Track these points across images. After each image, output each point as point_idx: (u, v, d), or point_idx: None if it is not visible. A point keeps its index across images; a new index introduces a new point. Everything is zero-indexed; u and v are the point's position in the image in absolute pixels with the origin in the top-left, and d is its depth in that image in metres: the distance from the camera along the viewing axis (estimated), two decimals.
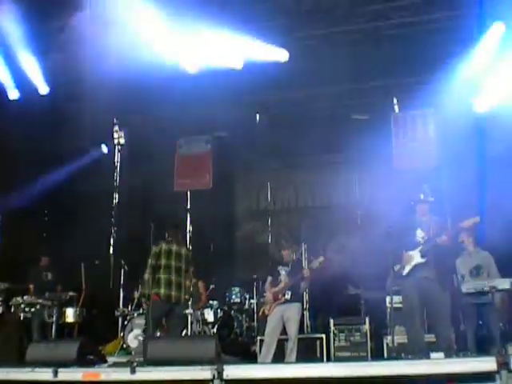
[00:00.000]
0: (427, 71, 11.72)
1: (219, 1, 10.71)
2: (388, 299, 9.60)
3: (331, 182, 15.34)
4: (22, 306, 10.37)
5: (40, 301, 10.40)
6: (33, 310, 10.38)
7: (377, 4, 10.64)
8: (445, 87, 11.97)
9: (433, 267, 7.79)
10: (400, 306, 8.57)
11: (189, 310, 10.60)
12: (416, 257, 7.80)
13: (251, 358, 10.18)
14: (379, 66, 12.45)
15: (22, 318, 10.29)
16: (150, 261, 9.07)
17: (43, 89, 12.78)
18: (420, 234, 7.91)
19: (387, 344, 9.53)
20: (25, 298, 10.47)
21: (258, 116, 13.89)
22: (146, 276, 9.00)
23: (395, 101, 13.27)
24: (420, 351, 7.28)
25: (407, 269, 7.83)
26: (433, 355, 6.18)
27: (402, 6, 10.67)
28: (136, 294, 11.19)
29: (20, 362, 7.96)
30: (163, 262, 9.07)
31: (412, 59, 11.40)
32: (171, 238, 9.34)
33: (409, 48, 11.20)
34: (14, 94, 12.85)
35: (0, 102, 12.85)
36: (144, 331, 9.38)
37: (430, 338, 8.15)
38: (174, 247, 9.24)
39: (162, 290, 8.94)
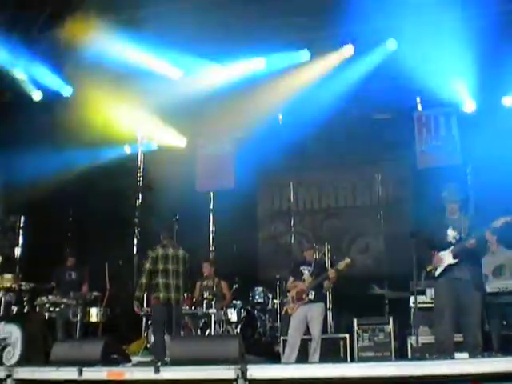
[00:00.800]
0: (447, 69, 11.65)
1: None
2: (412, 299, 9.53)
3: (354, 182, 15.30)
4: (47, 305, 10.44)
5: (64, 300, 10.46)
6: (57, 309, 10.44)
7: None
8: (469, 84, 11.93)
9: (465, 267, 7.66)
10: (424, 305, 8.52)
11: (212, 310, 10.62)
12: (448, 257, 7.66)
13: (274, 358, 10.17)
14: (401, 65, 12.40)
15: (46, 318, 10.36)
16: (146, 265, 9.27)
17: (66, 90, 12.91)
18: (451, 234, 7.76)
19: (411, 344, 9.47)
20: (49, 297, 10.54)
21: (280, 116, 13.86)
22: (143, 280, 9.22)
23: (418, 99, 13.19)
24: (445, 351, 7.22)
25: (439, 270, 7.70)
26: (457, 355, 6.13)
27: (419, 5, 10.59)
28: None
29: (45, 361, 8.02)
30: (160, 266, 9.23)
31: (433, 57, 11.34)
32: (166, 241, 9.45)
33: (430, 46, 11.13)
34: (37, 95, 12.98)
35: (24, 103, 12.97)
36: (154, 333, 9.49)
37: (459, 337, 8.06)
38: (170, 251, 9.39)
39: (161, 294, 9.13)
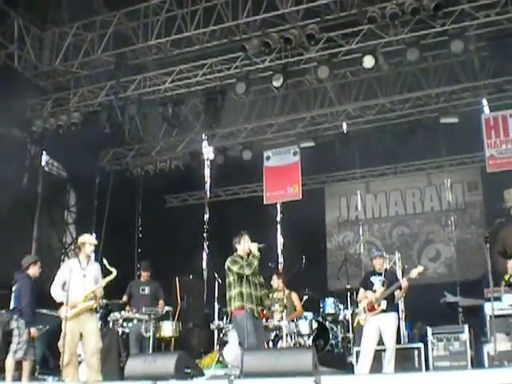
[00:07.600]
0: None
1: None
2: (487, 306, 9.30)
3: (422, 188, 15.12)
4: (120, 321, 10.57)
5: (137, 315, 10.57)
6: (130, 324, 10.57)
7: (461, 4, 10.40)
8: None
9: None
10: (501, 312, 8.28)
11: (283, 322, 10.55)
12: None
13: (347, 370, 10.07)
14: (467, 67, 12.21)
15: (120, 333, 10.50)
16: None
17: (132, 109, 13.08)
18: None
19: (488, 352, 9.22)
20: (122, 313, 10.67)
21: (344, 125, 13.78)
22: None
23: (485, 102, 12.91)
24: None
25: None
26: None
27: (487, 5, 10.40)
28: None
29: (119, 376, 8.12)
30: None
31: (501, 58, 11.11)
32: None
33: (497, 47, 10.91)
34: None
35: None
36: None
37: None
38: None
39: None
